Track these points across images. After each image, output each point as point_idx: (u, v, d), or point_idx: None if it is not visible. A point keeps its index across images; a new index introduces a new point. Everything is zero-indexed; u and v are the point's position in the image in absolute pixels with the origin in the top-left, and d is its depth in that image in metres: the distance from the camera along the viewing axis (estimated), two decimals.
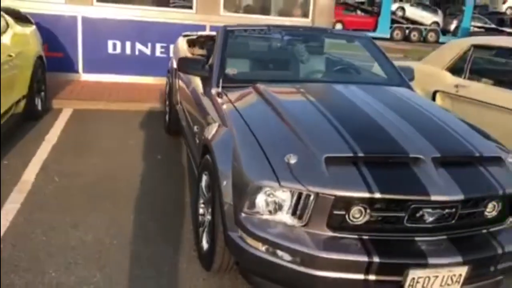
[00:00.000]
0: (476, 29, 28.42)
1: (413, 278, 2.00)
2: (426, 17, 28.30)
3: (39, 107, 5.05)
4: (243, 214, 2.11)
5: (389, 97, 2.96)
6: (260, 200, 2.07)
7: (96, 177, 3.69)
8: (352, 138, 2.22)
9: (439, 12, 29.10)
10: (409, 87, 3.45)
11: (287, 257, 2.02)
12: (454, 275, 2.05)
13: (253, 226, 2.07)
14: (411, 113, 2.71)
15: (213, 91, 3.02)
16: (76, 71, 6.87)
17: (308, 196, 2.00)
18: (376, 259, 1.95)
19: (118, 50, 6.97)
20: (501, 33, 27.48)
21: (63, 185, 3.51)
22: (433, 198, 2.00)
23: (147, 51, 7.05)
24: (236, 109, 2.66)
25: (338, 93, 2.86)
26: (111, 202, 3.30)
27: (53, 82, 6.06)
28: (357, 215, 2.03)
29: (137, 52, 7.02)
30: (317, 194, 1.98)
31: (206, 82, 3.22)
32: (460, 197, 2.03)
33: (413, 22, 27.89)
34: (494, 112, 4.25)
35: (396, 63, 4.55)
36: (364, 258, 1.95)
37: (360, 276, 1.97)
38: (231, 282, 2.53)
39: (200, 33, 5.28)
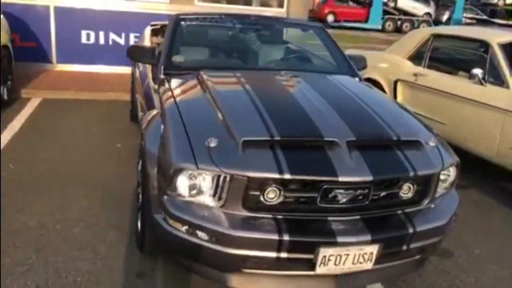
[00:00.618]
0: (468, 20, 28.45)
1: (324, 256, 2.08)
2: (418, 8, 28.24)
3: (5, 96, 5.10)
4: (165, 197, 2.18)
5: (326, 85, 3.02)
6: (181, 182, 2.13)
7: (52, 164, 3.75)
8: (273, 122, 2.29)
9: (431, 3, 29.05)
10: (356, 75, 3.51)
11: (204, 236, 2.09)
12: (366, 253, 2.13)
13: (174, 208, 2.14)
14: (342, 100, 2.78)
15: (157, 78, 3.08)
16: (50, 61, 6.90)
17: (224, 178, 2.07)
18: (286, 238, 2.02)
19: (92, 40, 7.00)
20: (492, 24, 27.49)
21: (17, 172, 3.58)
22: (341, 179, 2.07)
23: (121, 41, 7.08)
24: (173, 95, 2.72)
25: (276, 81, 2.92)
26: (61, 188, 3.37)
27: (25, 72, 6.10)
28: (272, 196, 2.10)
29: (111, 42, 7.05)
30: (232, 176, 2.05)
31: (154, 70, 3.28)
32: (369, 178, 2.10)
33: (405, 13, 27.84)
34: (449, 100, 4.32)
35: (351, 52, 4.63)
36: (275, 237, 2.02)
37: (273, 254, 2.05)
38: (164, 262, 2.60)
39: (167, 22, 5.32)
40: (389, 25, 27.05)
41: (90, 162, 3.86)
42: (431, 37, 4.84)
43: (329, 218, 2.15)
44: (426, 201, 2.34)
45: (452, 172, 2.50)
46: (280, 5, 7.66)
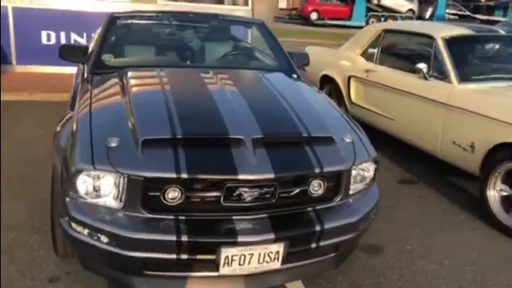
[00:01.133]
0: (450, 17, 28.64)
1: (227, 256, 2.04)
2: (402, 5, 28.30)
3: None
4: (67, 199, 2.12)
5: (252, 83, 2.99)
6: (81, 183, 2.08)
7: None
8: (179, 121, 2.24)
9: None
10: (293, 72, 3.47)
11: (105, 239, 2.04)
12: (271, 252, 2.09)
13: (76, 210, 2.08)
14: (262, 97, 2.74)
15: (82, 77, 3.03)
16: (9, 62, 6.80)
17: (123, 179, 2.02)
18: (185, 239, 1.98)
19: (53, 40, 6.92)
20: (474, 20, 27.72)
21: None
22: (241, 177, 2.03)
23: (83, 41, 6.99)
24: (90, 95, 2.67)
25: (200, 79, 2.87)
26: None
27: None
28: (172, 196, 2.05)
29: (72, 42, 6.96)
30: (128, 176, 2.00)
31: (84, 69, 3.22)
32: (270, 175, 2.06)
33: (389, 10, 27.89)
34: (397, 95, 4.31)
35: (312, 48, 4.60)
36: (173, 238, 1.98)
37: (172, 256, 2.01)
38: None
39: None
40: (373, 22, 26.99)
41: (28, 164, 3.80)
42: (383, 32, 4.83)
43: (234, 218, 2.10)
44: (338, 198, 2.31)
45: (370, 168, 2.47)
46: (246, 3, 7.61)
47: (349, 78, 5.02)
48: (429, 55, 4.08)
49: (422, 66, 3.95)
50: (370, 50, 4.91)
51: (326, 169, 2.20)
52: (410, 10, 28.44)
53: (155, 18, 3.68)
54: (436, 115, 3.80)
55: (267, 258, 2.10)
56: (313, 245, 2.18)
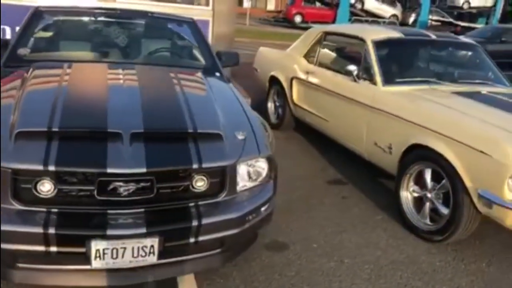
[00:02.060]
0: (433, 23, 28.91)
1: (98, 250, 2.05)
2: (385, 10, 28.58)
3: None
4: None
5: (158, 79, 3.00)
6: None
7: None
8: (61, 114, 2.25)
9: (398, 5, 29.45)
10: (217, 71, 3.50)
11: None
12: (145, 247, 2.11)
13: None
14: (160, 94, 2.74)
15: None
16: None
17: None
18: (52, 231, 1.99)
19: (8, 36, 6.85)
20: (456, 26, 28.04)
21: None
22: (110, 170, 2.05)
23: None
24: None
25: (103, 74, 2.88)
26: None
27: None
28: (45, 189, 2.06)
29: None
30: None
31: None
32: (141, 170, 2.08)
33: (372, 15, 28.12)
34: (330, 97, 4.35)
35: (266, 49, 4.61)
36: (40, 230, 1.99)
37: (41, 248, 2.01)
38: None
39: None
40: None
41: None
42: (323, 35, 4.88)
43: (109, 211, 2.12)
44: (223, 194, 2.33)
45: (262, 166, 2.50)
46: (207, 3, 7.62)
47: (291, 80, 5.06)
48: (361, 57, 4.13)
49: (352, 68, 4.00)
50: (312, 52, 4.95)
51: (205, 165, 2.22)
52: (394, 15, 28.72)
53: (81, 14, 3.68)
54: (362, 117, 3.85)
55: (141, 252, 2.11)
56: (192, 240, 2.20)
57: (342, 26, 5.02)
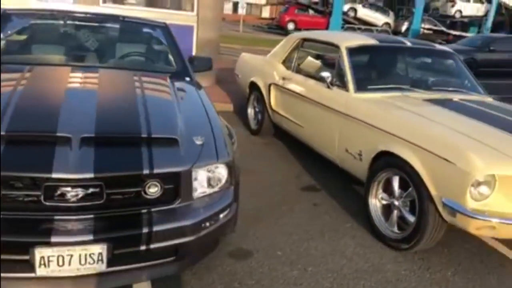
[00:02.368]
0: (425, 31, 29.12)
1: (43, 257, 2.00)
2: (378, 18, 28.76)
3: None
4: None
5: (120, 83, 2.96)
6: None
7: None
8: (11, 118, 2.21)
9: (391, 13, 29.64)
10: (187, 75, 3.47)
11: None
12: (93, 254, 2.06)
13: None
14: (118, 98, 2.71)
15: None
16: None
17: None
18: None
19: None
20: (448, 35, 28.24)
21: None
22: (55, 175, 2.00)
23: None
24: None
25: (63, 78, 2.84)
26: None
27: None
28: None
29: None
30: None
31: None
32: (89, 175, 2.04)
33: (365, 23, 28.28)
34: (305, 103, 4.33)
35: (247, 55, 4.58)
36: None
37: None
38: None
39: None
40: None
41: None
42: (301, 41, 4.86)
43: (56, 217, 2.07)
44: (178, 201, 2.29)
45: (222, 172, 2.46)
46: (191, 9, 7.61)
47: (269, 86, 5.03)
48: (335, 64, 4.11)
49: (325, 75, 3.98)
50: (290, 58, 4.93)
51: (157, 170, 2.18)
52: (386, 23, 28.90)
53: (50, 17, 3.65)
54: (334, 124, 3.82)
55: (89, 260, 2.07)
56: (143, 248, 2.16)
57: (319, 33, 5.01)
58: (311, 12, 29.86)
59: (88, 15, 3.77)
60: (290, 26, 27.95)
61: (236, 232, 3.12)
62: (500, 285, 2.86)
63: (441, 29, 29.30)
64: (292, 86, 4.60)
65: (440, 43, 25.10)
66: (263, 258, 2.90)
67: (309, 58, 4.78)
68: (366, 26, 27.92)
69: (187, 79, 3.46)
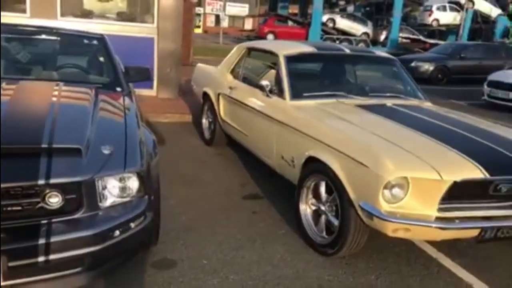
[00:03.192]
0: (404, 40, 29.56)
1: None
2: (356, 28, 29.09)
3: None
4: None
5: (38, 94, 2.96)
6: None
7: None
8: None
9: (369, 23, 30.02)
10: (119, 86, 3.48)
11: None
12: None
13: None
14: (30, 108, 2.71)
15: None
16: None
17: None
18: None
19: None
20: (424, 43, 28.71)
21: None
22: None
23: None
24: None
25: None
26: None
27: None
28: None
29: None
30: None
31: None
32: None
33: (344, 33, 28.61)
34: (248, 112, 4.34)
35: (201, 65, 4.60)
36: None
37: None
38: None
39: None
40: None
41: None
42: (247, 50, 4.90)
43: None
44: (82, 210, 2.27)
45: (131, 181, 2.45)
46: (151, 20, 7.65)
47: (219, 95, 5.05)
48: (275, 72, 4.15)
49: (265, 83, 4.00)
50: (237, 68, 4.96)
51: (54, 180, 2.16)
52: (365, 33, 29.26)
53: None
54: (272, 131, 3.84)
55: None
56: (41, 259, 2.13)
57: (264, 42, 5.05)
58: (290, 23, 30.11)
59: (21, 27, 3.76)
60: (270, 37, 28.15)
61: (165, 242, 3.15)
62: (421, 286, 2.87)
63: (418, 38, 29.79)
64: (237, 95, 4.62)
65: (417, 51, 25.56)
66: (187, 268, 2.89)
67: (254, 67, 4.81)
68: (345, 36, 28.28)
69: (118, 89, 3.47)
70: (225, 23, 42.95)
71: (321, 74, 4.32)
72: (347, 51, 4.30)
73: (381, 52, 4.70)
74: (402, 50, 25.92)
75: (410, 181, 2.61)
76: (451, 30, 30.88)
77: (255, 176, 4.58)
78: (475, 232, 2.74)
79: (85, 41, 3.96)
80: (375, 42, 29.10)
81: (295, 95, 3.81)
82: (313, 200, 3.29)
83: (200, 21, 42.24)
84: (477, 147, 2.93)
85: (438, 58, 15.42)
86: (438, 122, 3.38)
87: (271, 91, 3.99)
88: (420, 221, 2.61)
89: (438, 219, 2.63)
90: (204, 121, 5.69)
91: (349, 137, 3.01)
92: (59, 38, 3.84)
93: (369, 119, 3.34)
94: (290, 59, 4.05)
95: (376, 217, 2.65)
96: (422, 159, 2.66)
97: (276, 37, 27.92)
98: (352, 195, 2.82)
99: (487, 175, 2.61)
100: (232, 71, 5.02)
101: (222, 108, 5.01)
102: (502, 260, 3.27)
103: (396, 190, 2.63)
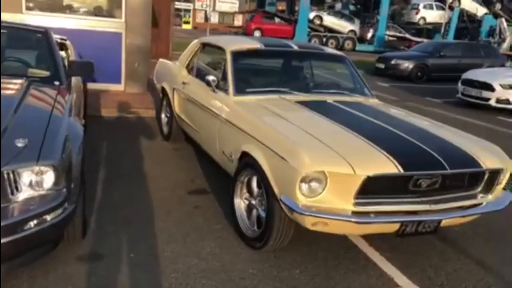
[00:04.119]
0: (390, 38, 29.69)
1: None
2: (343, 26, 29.14)
3: None
4: None
5: None
6: None
7: None
8: None
9: (356, 21, 30.10)
10: (58, 80, 3.48)
11: None
12: None
13: None
14: None
15: None
16: None
17: None
18: None
19: None
20: (410, 41, 28.85)
21: None
22: None
23: None
24: None
25: None
26: None
27: None
28: None
29: None
30: None
31: None
32: None
33: (331, 30, 28.68)
34: (197, 108, 4.35)
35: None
36: None
37: None
38: None
39: None
40: (315, 42, 27.66)
41: None
42: (200, 45, 4.91)
43: None
44: None
45: (47, 174, 2.45)
46: (119, 15, 7.61)
47: (173, 90, 5.06)
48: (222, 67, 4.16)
49: (211, 78, 4.01)
50: (191, 63, 4.97)
51: None
52: (352, 31, 29.34)
53: None
54: (216, 127, 3.85)
55: None
56: None
57: (215, 37, 5.02)
58: (277, 20, 30.11)
59: None
60: (257, 34, 28.14)
61: (98, 236, 3.16)
62: (343, 279, 2.91)
63: (404, 36, 29.95)
64: (189, 91, 4.63)
65: (402, 49, 25.68)
66: (112, 262, 2.90)
67: (205, 62, 4.82)
68: (332, 33, 28.36)
69: (56, 83, 3.46)
70: (215, 19, 42.82)
71: (267, 70, 4.34)
72: (295, 47, 4.32)
73: (331, 50, 4.72)
74: (388, 48, 26.09)
75: (327, 175, 2.65)
76: (438, 28, 31.06)
77: (206, 172, 4.60)
78: (395, 227, 2.79)
79: (29, 35, 3.95)
80: (362, 39, 29.22)
81: (239, 90, 3.83)
82: (247, 195, 3.31)
83: (189, 17, 42.09)
84: (400, 144, 2.97)
85: (418, 56, 15.51)
86: (372, 119, 3.41)
87: (217, 87, 4.01)
88: (334, 215, 2.64)
89: (355, 213, 2.67)
90: (163, 116, 5.70)
91: (275, 132, 3.03)
92: (5, 31, 3.81)
93: (302, 116, 3.37)
94: (236, 54, 4.07)
95: (294, 211, 2.68)
96: (339, 154, 2.70)
97: (263, 34, 27.92)
98: (276, 189, 2.85)
99: (402, 171, 2.65)
100: (187, 67, 5.03)
101: (176, 104, 5.02)
102: (430, 255, 3.31)
103: (313, 184, 2.66)
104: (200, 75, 4.67)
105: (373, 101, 4.18)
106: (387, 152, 2.75)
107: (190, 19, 43.04)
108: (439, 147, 2.92)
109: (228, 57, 4.05)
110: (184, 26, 38.84)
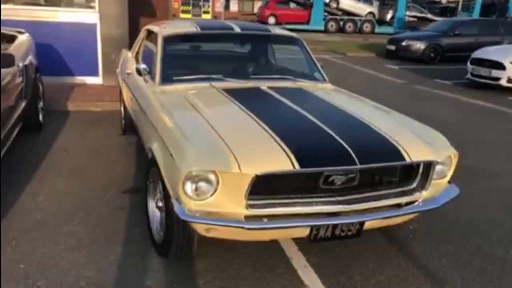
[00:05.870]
0: (410, 19, 28.51)
1: None
2: (361, 8, 28.14)
3: None
4: None
5: None
6: None
7: None
8: None
9: (374, 2, 29.01)
10: None
11: None
12: None
13: None
14: None
15: None
16: None
17: None
18: None
19: None
20: (431, 21, 27.58)
21: None
22: None
23: None
24: None
25: None
26: None
27: None
28: None
29: None
30: None
31: None
32: None
33: (348, 13, 27.73)
34: (134, 98, 4.02)
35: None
36: None
37: None
38: None
39: None
40: (332, 26, 26.91)
41: None
42: (146, 33, 4.56)
43: None
44: None
45: None
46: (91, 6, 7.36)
47: (123, 81, 4.75)
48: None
49: (142, 67, 3.67)
50: (138, 51, 4.64)
51: None
52: (371, 13, 28.29)
53: None
54: (146, 121, 3.51)
55: None
56: None
57: (160, 23, 4.65)
58: (292, 5, 29.34)
59: None
60: (271, 20, 27.52)
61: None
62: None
63: (426, 16, 28.70)
64: (130, 81, 4.31)
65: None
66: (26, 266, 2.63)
67: (147, 50, 4.47)
68: (349, 16, 27.42)
69: None
70: (234, 8, 42.31)
71: (202, 55, 3.96)
72: (237, 29, 3.90)
73: (281, 30, 4.27)
74: (409, 30, 25.00)
75: (219, 175, 2.27)
76: (463, 6, 29.57)
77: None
78: (305, 231, 2.39)
79: None
80: (381, 21, 28.16)
81: (165, 79, 3.48)
82: (158, 195, 2.97)
83: (209, 6, 41.79)
84: (309, 137, 2.54)
85: (431, 36, 14.69)
86: (297, 108, 2.96)
87: (150, 75, 3.66)
88: (223, 220, 2.26)
89: (248, 217, 2.28)
90: (122, 110, 5.40)
91: (175, 127, 2.65)
92: None
93: (220, 108, 2.99)
94: (168, 39, 3.71)
95: (178, 216, 2.31)
96: (232, 151, 2.30)
97: (278, 20, 27.28)
98: (170, 190, 2.49)
99: (298, 167, 2.24)
100: (136, 55, 4.70)
101: (125, 96, 4.71)
102: (368, 258, 2.89)
103: (202, 185, 2.29)
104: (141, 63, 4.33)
105: (322, 86, 3.74)
106: (288, 146, 2.33)
107: (210, 9, 42.76)
108: (357, 139, 2.48)
109: (159, 42, 3.69)
110: (204, 16, 38.62)
